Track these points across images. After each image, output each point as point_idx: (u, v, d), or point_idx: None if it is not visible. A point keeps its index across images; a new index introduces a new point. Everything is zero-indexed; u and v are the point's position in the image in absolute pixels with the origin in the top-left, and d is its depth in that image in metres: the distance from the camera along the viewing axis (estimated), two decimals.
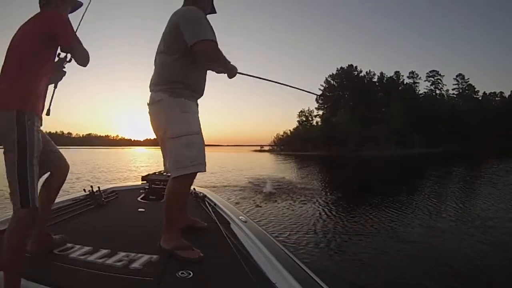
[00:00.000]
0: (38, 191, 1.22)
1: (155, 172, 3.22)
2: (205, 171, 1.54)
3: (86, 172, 12.94)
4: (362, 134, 45.89)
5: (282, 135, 60.11)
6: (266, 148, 64.42)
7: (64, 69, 1.45)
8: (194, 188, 2.84)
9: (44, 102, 1.32)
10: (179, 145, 1.49)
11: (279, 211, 5.22)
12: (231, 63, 1.64)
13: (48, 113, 1.35)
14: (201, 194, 2.63)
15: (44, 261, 1.27)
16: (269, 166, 18.43)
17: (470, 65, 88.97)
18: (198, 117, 1.62)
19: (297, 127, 59.25)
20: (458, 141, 46.01)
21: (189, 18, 1.51)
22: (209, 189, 3.24)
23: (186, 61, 1.54)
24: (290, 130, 59.96)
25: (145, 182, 2.98)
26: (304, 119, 59.87)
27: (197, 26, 1.48)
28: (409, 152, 37.89)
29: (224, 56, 1.59)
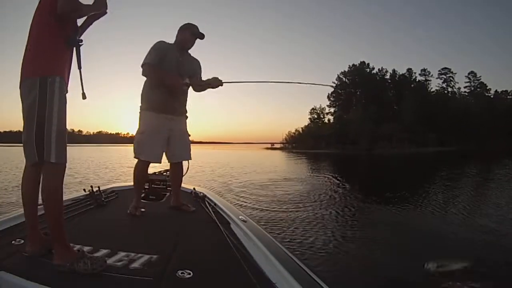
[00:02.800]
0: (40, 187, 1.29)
1: (155, 172, 3.21)
2: (140, 159, 2.25)
3: (89, 168, 12.95)
4: (375, 132, 45.17)
5: (294, 133, 59.05)
6: (277, 145, 63.39)
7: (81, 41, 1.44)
8: (194, 188, 2.85)
9: (68, 66, 1.38)
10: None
11: (281, 211, 5.21)
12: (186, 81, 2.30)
13: (84, 97, 1.45)
14: (201, 194, 2.63)
15: (44, 261, 1.26)
16: (289, 166, 17.27)
17: (482, 62, 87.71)
18: (152, 124, 2.22)
19: (308, 124, 58.43)
20: (471, 139, 44.91)
21: None
22: (210, 190, 3.24)
23: (150, 85, 2.25)
24: (301, 127, 58.93)
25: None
26: (315, 116, 59.00)
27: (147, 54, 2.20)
28: (422, 150, 36.88)
29: (167, 76, 2.21)
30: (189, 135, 2.48)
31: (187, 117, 2.45)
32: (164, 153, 2.34)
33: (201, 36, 2.34)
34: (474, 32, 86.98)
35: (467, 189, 7.82)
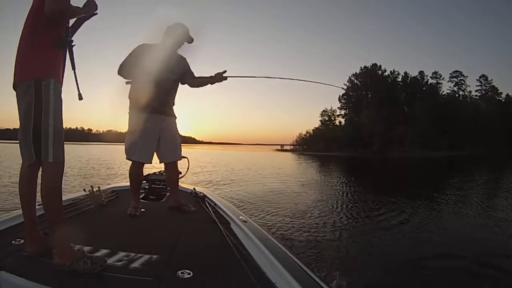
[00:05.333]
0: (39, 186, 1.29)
1: (155, 172, 3.21)
2: (132, 160, 2.25)
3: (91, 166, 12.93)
4: (387, 135, 44.85)
5: (305, 135, 58.92)
6: (287, 147, 62.78)
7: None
8: (194, 188, 2.85)
9: (61, 68, 1.39)
10: None
11: (282, 211, 5.20)
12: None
13: (80, 98, 1.44)
14: (201, 194, 2.63)
15: (44, 261, 1.26)
16: (301, 169, 16.11)
17: (493, 66, 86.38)
18: (144, 124, 2.19)
19: (319, 126, 58.16)
20: (481, 143, 44.19)
21: None
22: (210, 190, 3.24)
23: (140, 85, 2.21)
24: (312, 129, 58.78)
25: (145, 182, 2.98)
26: (326, 118, 58.53)
27: None
28: (435, 154, 36.04)
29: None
30: (180, 136, 2.47)
31: (176, 117, 2.44)
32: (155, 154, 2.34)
33: (190, 40, 2.31)
34: (486, 35, 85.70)
35: (480, 198, 7.20)
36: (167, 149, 2.35)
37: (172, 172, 2.46)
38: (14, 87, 1.33)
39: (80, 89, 1.44)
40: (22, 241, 1.41)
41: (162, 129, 2.31)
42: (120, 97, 2.33)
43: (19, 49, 1.34)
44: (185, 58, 2.44)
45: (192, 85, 2.46)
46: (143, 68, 2.16)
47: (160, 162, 2.41)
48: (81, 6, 1.43)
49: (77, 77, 1.45)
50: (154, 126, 2.26)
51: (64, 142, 1.37)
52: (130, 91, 2.29)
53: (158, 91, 2.21)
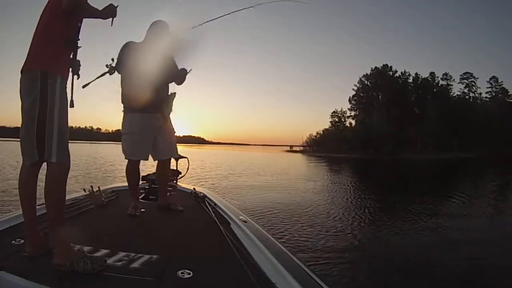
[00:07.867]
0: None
1: (155, 172, 3.21)
2: (127, 159, 2.26)
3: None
4: (399, 137, 44.70)
5: (315, 136, 58.66)
6: (297, 148, 62.09)
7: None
8: (194, 188, 2.85)
9: (68, 67, 1.38)
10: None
11: (283, 211, 5.20)
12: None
13: (72, 105, 1.40)
14: (201, 194, 2.63)
15: (44, 261, 1.26)
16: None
17: (504, 67, 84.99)
18: (139, 124, 2.21)
19: (329, 127, 57.97)
20: (492, 146, 43.09)
21: None
22: (210, 189, 3.24)
23: (123, 85, 2.23)
24: (322, 130, 58.60)
25: (145, 182, 2.98)
26: (336, 120, 58.27)
27: None
28: (448, 156, 35.69)
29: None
30: (175, 132, 2.44)
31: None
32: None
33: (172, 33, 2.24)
34: (497, 36, 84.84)
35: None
36: (164, 146, 2.33)
37: (164, 170, 2.45)
38: (20, 79, 1.31)
39: (73, 95, 1.39)
40: (22, 241, 1.40)
41: (158, 128, 2.29)
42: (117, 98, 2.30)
43: (32, 42, 1.33)
44: (171, 57, 2.36)
45: (178, 82, 2.41)
46: (130, 67, 2.12)
47: (155, 160, 2.38)
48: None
49: (74, 83, 1.42)
50: (149, 125, 2.24)
51: (72, 141, 1.36)
52: (124, 93, 2.25)
53: (149, 89, 2.16)
